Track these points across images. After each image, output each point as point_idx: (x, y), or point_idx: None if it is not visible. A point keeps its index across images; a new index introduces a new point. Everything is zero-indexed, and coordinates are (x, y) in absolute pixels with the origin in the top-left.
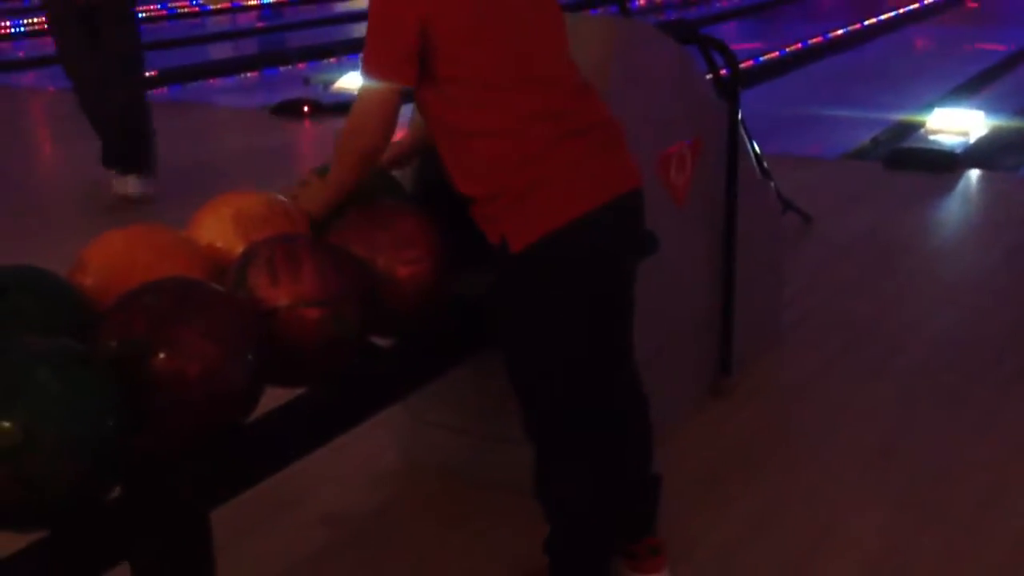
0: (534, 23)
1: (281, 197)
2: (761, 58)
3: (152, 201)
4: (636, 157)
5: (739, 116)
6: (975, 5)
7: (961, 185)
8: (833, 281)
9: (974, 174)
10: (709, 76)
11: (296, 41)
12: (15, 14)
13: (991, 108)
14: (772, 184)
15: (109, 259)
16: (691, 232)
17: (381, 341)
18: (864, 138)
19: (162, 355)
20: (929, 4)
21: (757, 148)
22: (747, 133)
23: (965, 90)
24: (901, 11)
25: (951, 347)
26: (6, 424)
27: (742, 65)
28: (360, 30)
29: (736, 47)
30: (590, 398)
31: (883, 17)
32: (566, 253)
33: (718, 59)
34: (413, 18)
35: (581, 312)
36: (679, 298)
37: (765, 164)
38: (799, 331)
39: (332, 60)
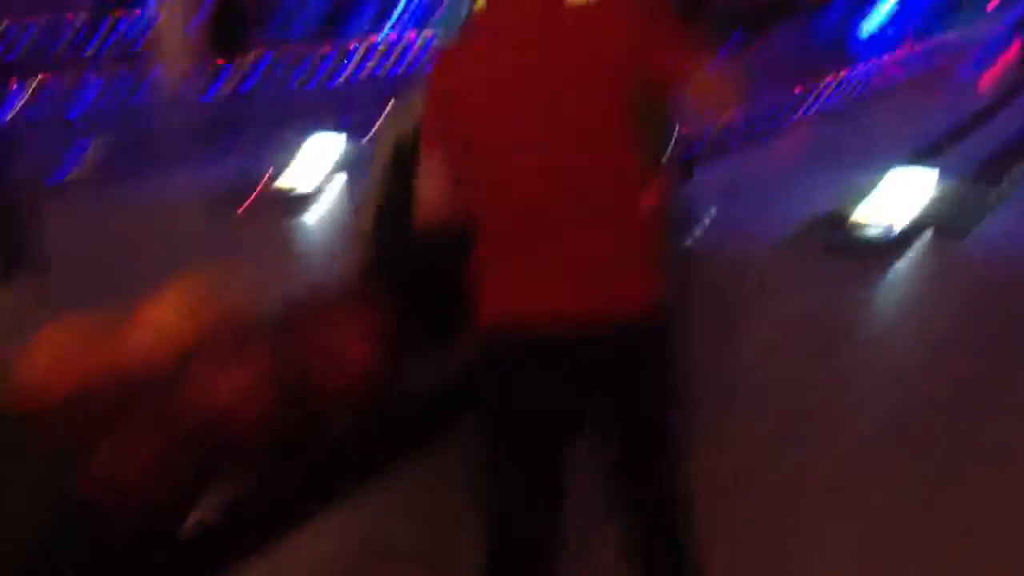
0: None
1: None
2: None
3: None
4: None
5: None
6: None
7: (909, 258)
8: (775, 365)
9: (921, 244)
10: None
11: None
12: None
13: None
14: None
15: (53, 355)
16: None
17: (322, 435)
18: (805, 218)
19: (101, 457)
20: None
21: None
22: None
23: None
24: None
25: (895, 428)
26: None
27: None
28: None
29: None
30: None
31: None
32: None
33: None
34: None
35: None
36: None
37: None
38: (738, 413)
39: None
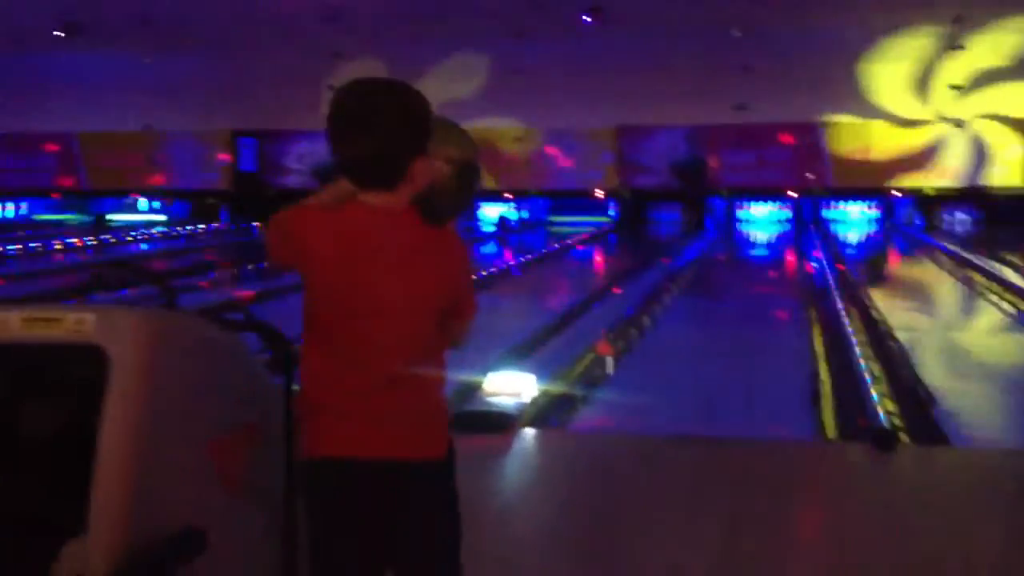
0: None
1: None
2: None
3: None
4: (182, 448)
5: (295, 395)
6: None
7: (518, 444)
8: None
9: (529, 433)
10: (264, 358)
11: None
12: None
13: (540, 371)
14: None
15: None
16: (247, 524)
17: None
18: None
19: None
20: (486, 276)
21: None
22: None
23: (519, 352)
24: None
25: None
26: None
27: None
28: None
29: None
30: None
31: None
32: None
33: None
34: None
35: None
36: None
37: None
38: None
39: None
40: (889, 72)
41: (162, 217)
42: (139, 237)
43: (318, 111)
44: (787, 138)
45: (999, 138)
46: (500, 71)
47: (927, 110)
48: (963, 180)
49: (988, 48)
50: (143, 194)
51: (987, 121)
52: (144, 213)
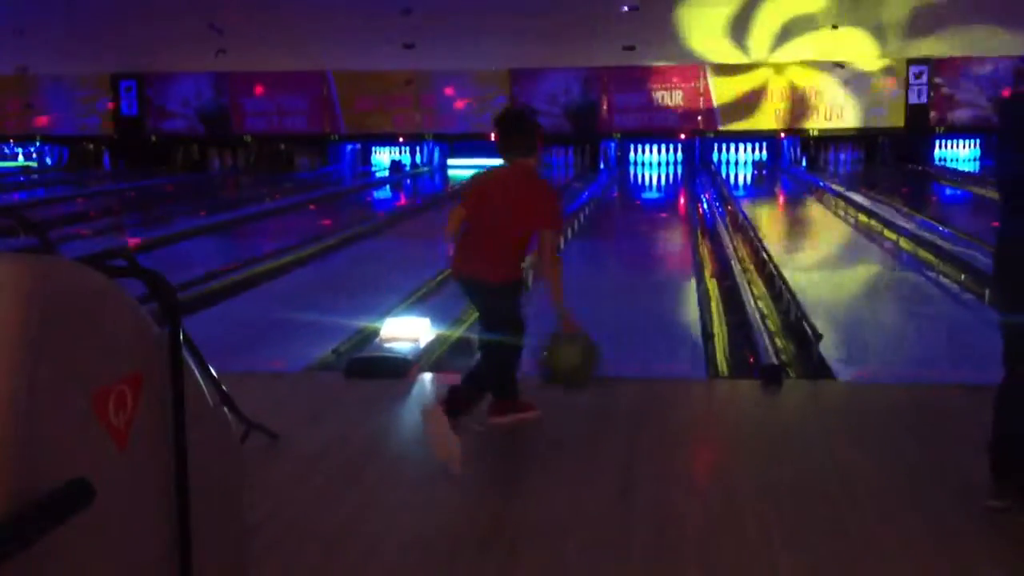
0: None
1: None
2: (223, 276)
3: None
4: (65, 399)
5: (182, 344)
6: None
7: (415, 389)
8: (305, 495)
9: (426, 377)
10: (148, 305)
11: None
12: None
13: (437, 315)
14: (231, 408)
15: None
16: (137, 475)
17: None
18: (326, 349)
19: None
20: (380, 222)
21: (213, 372)
22: (199, 359)
23: (415, 298)
24: (358, 226)
25: (420, 550)
26: None
27: (204, 285)
28: None
29: (198, 264)
30: None
31: (343, 233)
32: None
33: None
34: None
35: None
36: (127, 550)
37: (223, 387)
38: (273, 552)
39: None
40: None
41: (37, 164)
42: (15, 184)
43: (201, 50)
44: (677, 81)
45: (871, 78)
46: (391, 12)
47: (802, 52)
48: (847, 121)
49: None
50: (20, 140)
51: (873, 61)
52: (19, 160)
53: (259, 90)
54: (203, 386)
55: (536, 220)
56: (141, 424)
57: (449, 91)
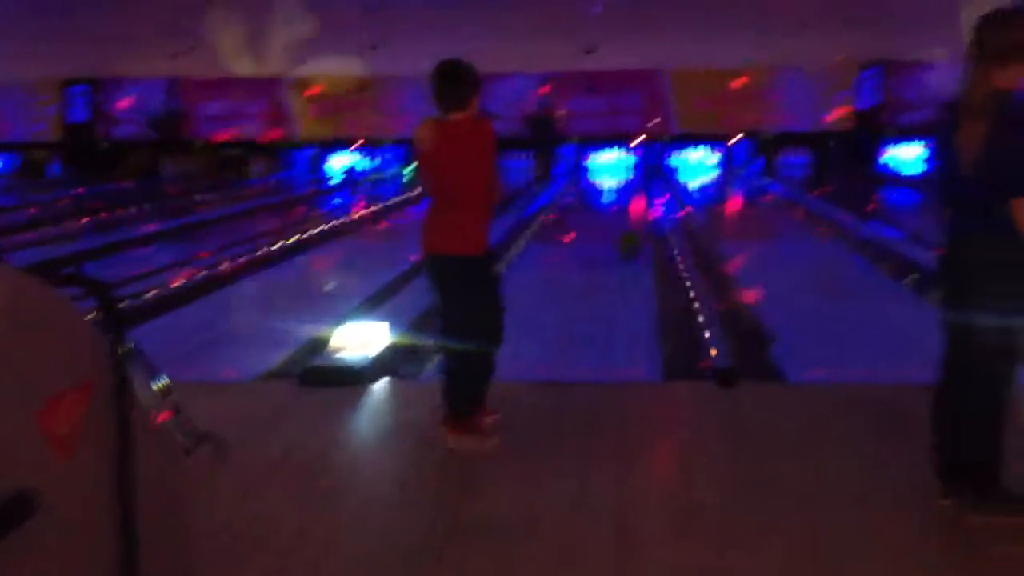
0: None
1: None
2: (174, 283)
3: None
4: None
5: (129, 353)
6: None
7: (370, 397)
8: (257, 505)
9: (381, 385)
10: (94, 315)
11: None
12: None
13: (393, 321)
14: (179, 417)
15: None
16: (83, 486)
17: None
18: (280, 357)
19: None
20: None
21: (164, 381)
22: (148, 369)
23: (370, 304)
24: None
25: (375, 559)
26: None
27: (155, 293)
28: None
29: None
30: None
31: (297, 239)
32: None
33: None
34: None
35: None
36: (72, 560)
37: (173, 396)
38: (225, 562)
39: None
40: None
41: None
42: None
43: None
44: (633, 85)
45: (831, 82)
46: (350, 13)
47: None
48: (798, 125)
49: None
50: None
51: (825, 64)
52: None
53: (213, 95)
54: (151, 396)
55: (483, 158)
56: (88, 434)
57: (407, 96)
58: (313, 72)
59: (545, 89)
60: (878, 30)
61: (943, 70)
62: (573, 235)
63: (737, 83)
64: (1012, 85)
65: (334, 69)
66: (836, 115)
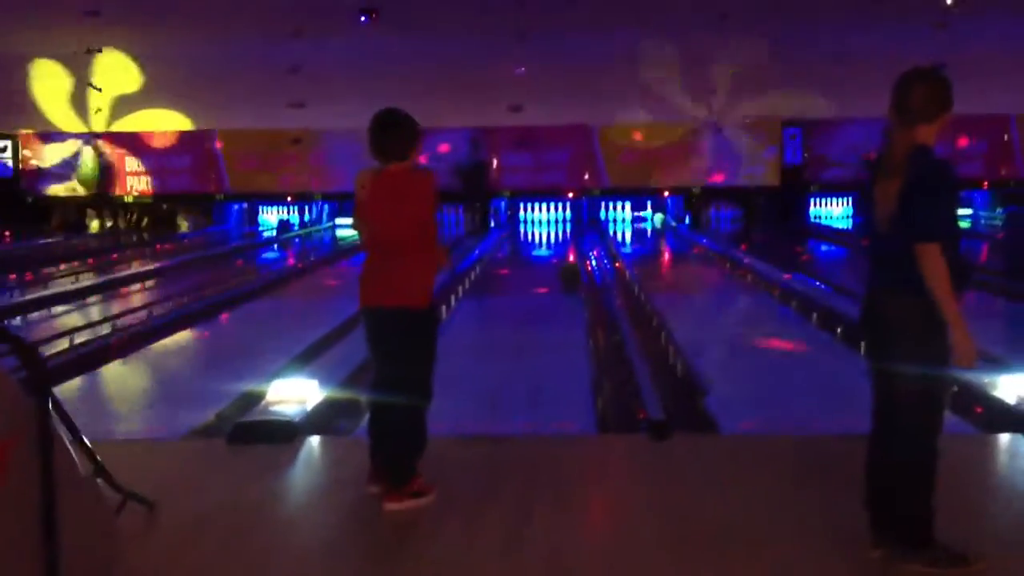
0: None
1: None
2: (101, 340)
3: None
4: None
5: (52, 412)
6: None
7: (302, 453)
8: (186, 566)
9: (314, 441)
10: (19, 375)
11: None
12: None
13: (324, 377)
14: (104, 477)
15: None
16: (5, 545)
17: None
18: (209, 414)
19: None
20: (273, 279)
21: (86, 441)
22: (71, 427)
23: (302, 360)
24: (243, 285)
25: None
26: None
27: (81, 350)
28: None
29: (75, 328)
30: None
31: (228, 294)
32: None
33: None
34: None
35: None
36: None
37: (97, 456)
38: None
39: None
40: None
41: None
42: None
43: (83, 109)
44: (564, 140)
45: (748, 139)
46: (279, 70)
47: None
48: (727, 180)
49: None
50: None
51: (750, 122)
52: None
53: (141, 149)
54: (75, 455)
55: (420, 208)
56: (9, 493)
57: (338, 149)
58: (245, 125)
59: (477, 143)
60: (795, 92)
61: (863, 128)
62: (506, 288)
63: (666, 138)
64: (931, 142)
65: (265, 122)
66: (763, 170)
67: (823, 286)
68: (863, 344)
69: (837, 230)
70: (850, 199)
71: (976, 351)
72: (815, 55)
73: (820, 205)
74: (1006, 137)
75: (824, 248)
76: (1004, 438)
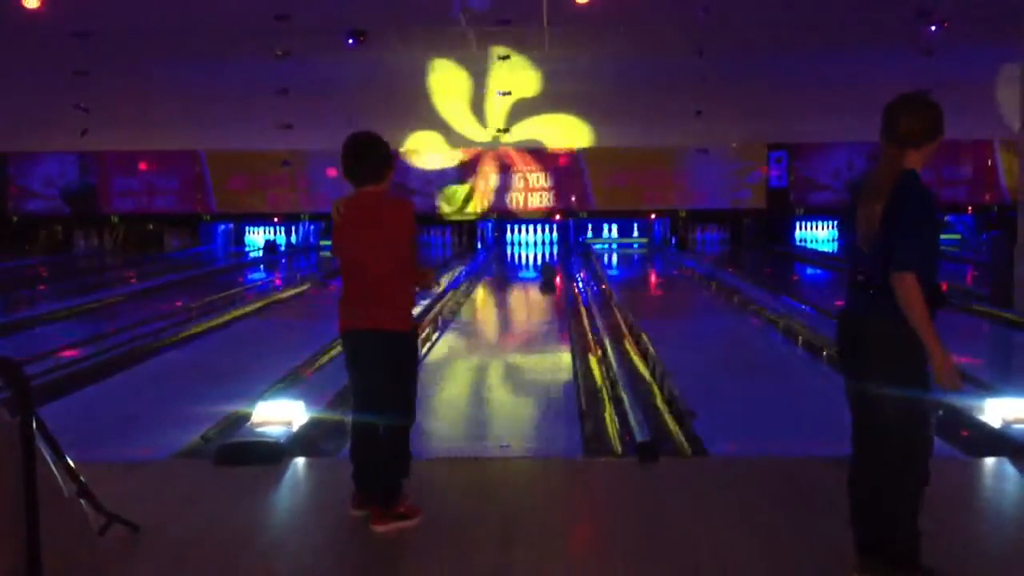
0: None
1: None
2: (87, 361)
3: None
4: None
5: (36, 433)
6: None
7: (288, 475)
8: None
9: (299, 463)
10: (2, 394)
11: None
12: None
13: (310, 398)
14: (89, 499)
15: None
16: None
17: None
18: (195, 435)
19: None
20: (256, 299)
21: (70, 462)
22: (56, 448)
23: (288, 381)
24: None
25: None
26: None
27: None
28: None
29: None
30: None
31: (214, 315)
32: None
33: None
34: None
35: None
36: None
37: (81, 478)
38: None
39: None
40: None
41: None
42: None
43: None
44: (558, 162)
45: (744, 162)
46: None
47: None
48: (714, 203)
49: None
50: None
51: (734, 147)
52: None
53: (127, 169)
54: (58, 476)
55: (396, 234)
56: None
57: (325, 171)
58: (232, 147)
59: (464, 165)
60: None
61: (846, 152)
62: (493, 310)
63: (652, 162)
64: (919, 167)
65: (254, 144)
66: (749, 194)
67: (809, 308)
68: (842, 365)
69: (822, 253)
70: (835, 222)
71: (957, 373)
72: (801, 79)
73: (806, 228)
74: (989, 162)
75: (809, 271)
76: (990, 462)
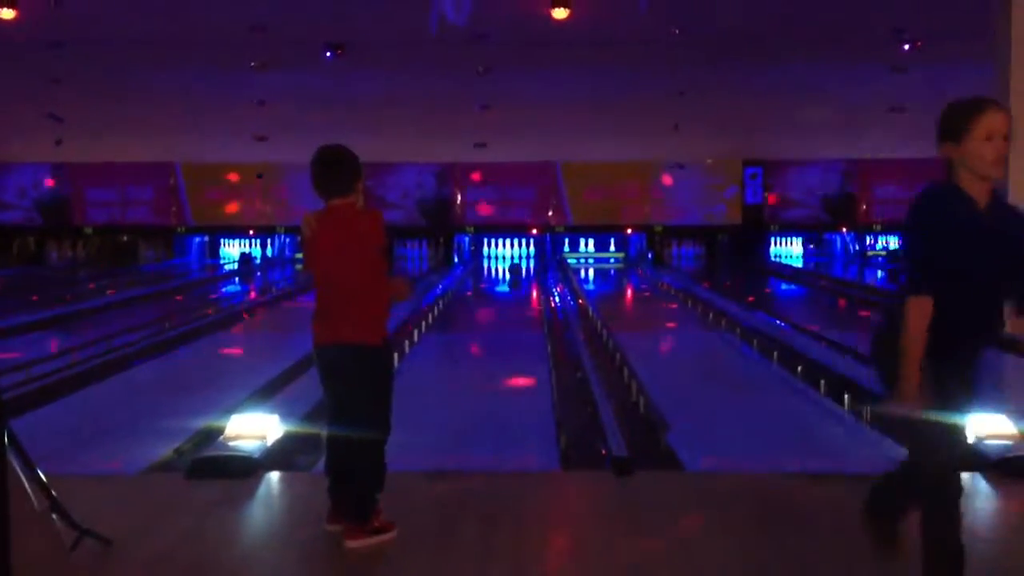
0: None
1: None
2: (59, 373)
3: None
4: None
5: (6, 446)
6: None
7: (262, 489)
8: None
9: (273, 477)
10: None
11: None
12: None
13: (285, 412)
14: (59, 513)
15: None
16: None
17: None
18: (167, 449)
19: None
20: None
21: (41, 475)
22: (26, 461)
23: (263, 394)
24: (204, 319)
25: None
26: None
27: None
28: None
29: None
30: None
31: (188, 327)
32: None
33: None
34: None
35: None
36: None
37: (52, 491)
38: None
39: None
40: None
41: None
42: None
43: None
44: (529, 177)
45: (719, 178)
46: (242, 102)
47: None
48: (689, 219)
49: None
50: None
51: (709, 163)
52: None
53: (102, 180)
54: (29, 490)
55: (367, 246)
56: None
57: (300, 183)
58: (208, 159)
59: (442, 177)
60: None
61: (820, 169)
62: (469, 323)
63: (628, 177)
64: (956, 179)
65: (228, 155)
66: (724, 209)
67: (783, 324)
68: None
69: (797, 269)
70: (806, 239)
71: (914, 399)
72: (777, 96)
73: (780, 244)
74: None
75: (784, 287)
76: (964, 477)
